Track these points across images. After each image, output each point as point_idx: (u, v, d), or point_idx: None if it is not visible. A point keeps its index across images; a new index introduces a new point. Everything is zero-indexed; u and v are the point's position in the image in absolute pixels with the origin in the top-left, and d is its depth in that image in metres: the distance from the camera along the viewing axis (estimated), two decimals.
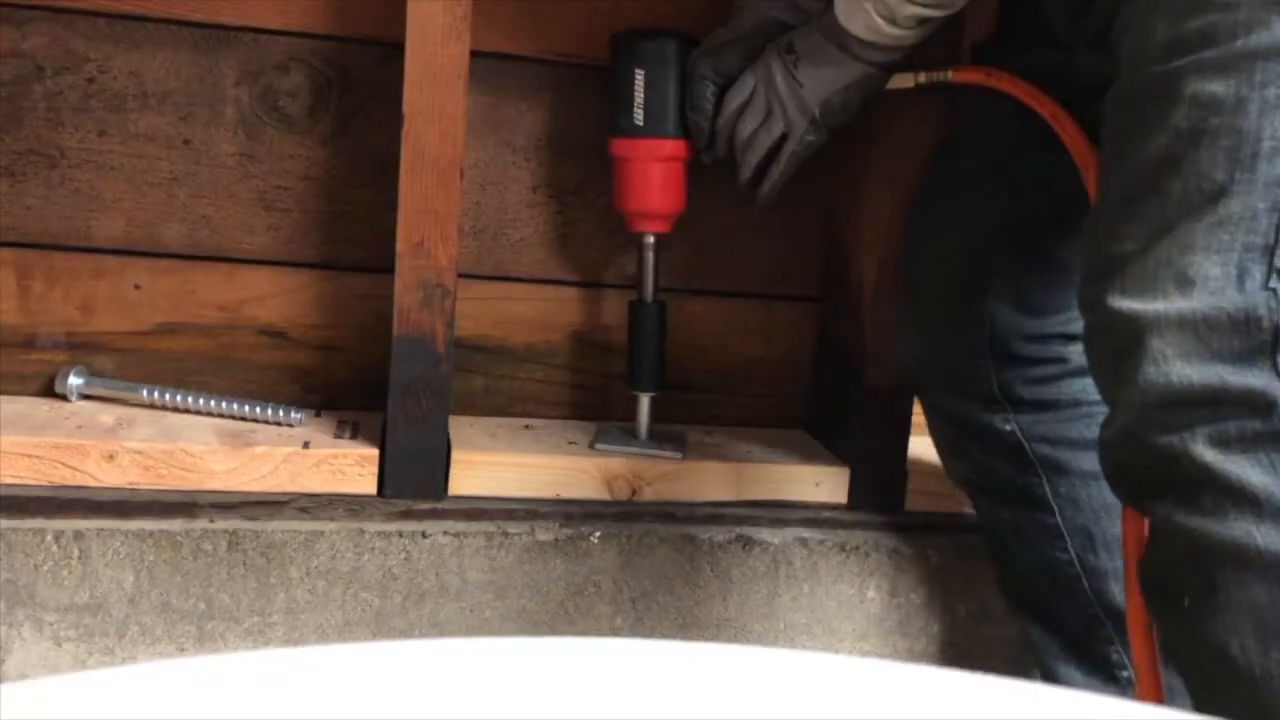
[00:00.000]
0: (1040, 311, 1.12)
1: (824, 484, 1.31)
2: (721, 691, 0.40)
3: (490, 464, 1.24)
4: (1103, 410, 0.86)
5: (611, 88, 1.23)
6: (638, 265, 1.28)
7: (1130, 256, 0.81)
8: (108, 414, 1.23)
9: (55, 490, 1.14)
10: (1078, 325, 0.91)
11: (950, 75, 1.10)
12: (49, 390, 1.26)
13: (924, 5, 1.00)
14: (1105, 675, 1.14)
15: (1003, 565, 1.20)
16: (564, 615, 1.19)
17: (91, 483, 1.15)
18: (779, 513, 1.28)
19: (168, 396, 1.25)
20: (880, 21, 1.03)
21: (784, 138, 1.16)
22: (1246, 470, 0.76)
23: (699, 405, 1.41)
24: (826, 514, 1.29)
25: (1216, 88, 0.78)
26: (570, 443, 1.30)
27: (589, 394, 1.39)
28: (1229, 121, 0.77)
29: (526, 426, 1.35)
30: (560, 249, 1.36)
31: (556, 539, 1.18)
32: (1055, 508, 1.13)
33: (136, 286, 1.28)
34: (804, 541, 1.23)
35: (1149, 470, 0.81)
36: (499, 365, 1.37)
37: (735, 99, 1.18)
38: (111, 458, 1.15)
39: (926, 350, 1.19)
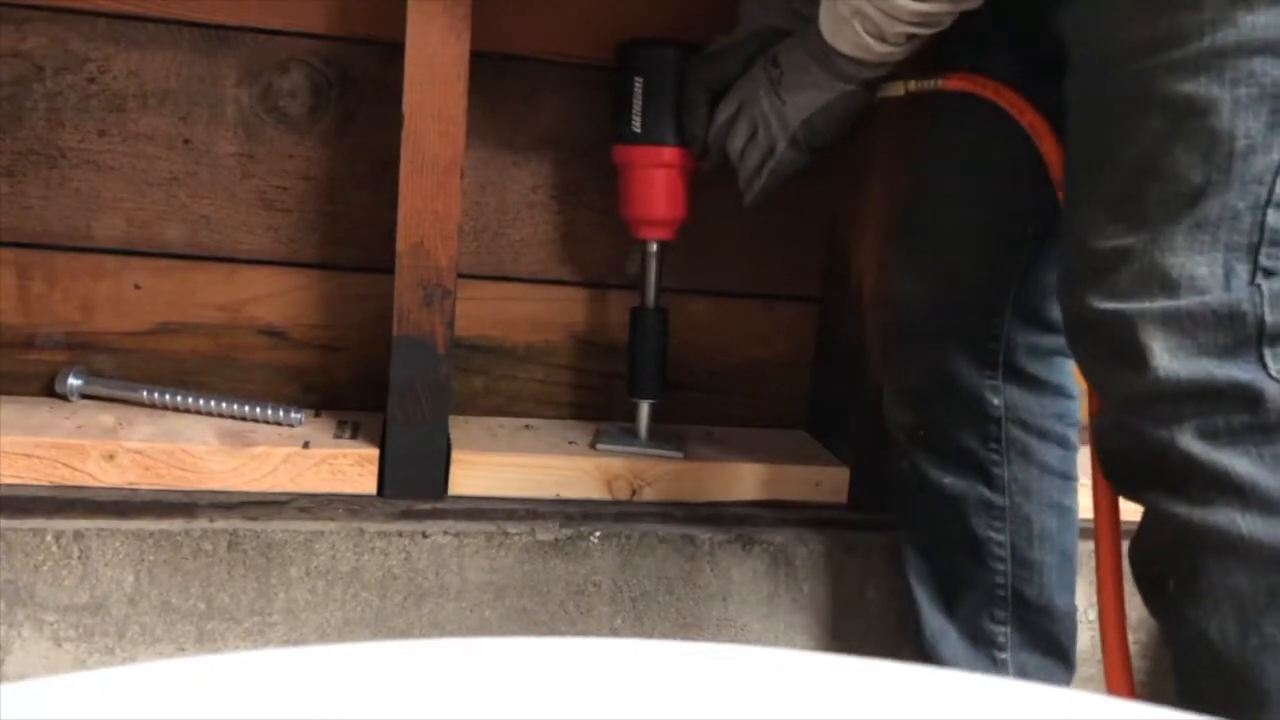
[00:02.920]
0: None
1: (824, 484, 1.31)
2: (721, 691, 0.40)
3: (490, 464, 1.24)
4: (1078, 404, 0.85)
5: (615, 95, 1.24)
6: (640, 271, 1.28)
7: (1113, 258, 0.81)
8: (108, 414, 1.23)
9: (55, 490, 1.14)
10: None
11: (940, 83, 1.07)
12: (49, 390, 1.26)
13: (914, 23, 0.96)
14: (985, 650, 1.14)
15: (917, 524, 1.17)
16: (564, 615, 1.19)
17: (91, 483, 1.15)
18: (779, 513, 1.28)
19: (168, 396, 1.25)
20: (869, 39, 0.99)
21: (770, 153, 1.14)
22: (1233, 460, 0.78)
23: (699, 405, 1.41)
24: (826, 514, 1.29)
25: (1188, 88, 0.77)
26: (570, 443, 1.30)
27: (589, 394, 1.39)
28: (1203, 123, 0.77)
29: (526, 426, 1.35)
30: (560, 249, 1.36)
31: (556, 539, 1.18)
32: (1007, 491, 1.11)
33: (136, 286, 1.28)
34: (804, 541, 1.23)
35: (1139, 460, 0.83)
36: (499, 365, 1.37)
37: (724, 112, 1.16)
38: (111, 458, 1.15)
39: (939, 289, 1.12)
